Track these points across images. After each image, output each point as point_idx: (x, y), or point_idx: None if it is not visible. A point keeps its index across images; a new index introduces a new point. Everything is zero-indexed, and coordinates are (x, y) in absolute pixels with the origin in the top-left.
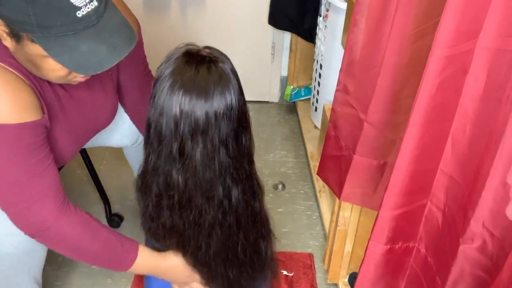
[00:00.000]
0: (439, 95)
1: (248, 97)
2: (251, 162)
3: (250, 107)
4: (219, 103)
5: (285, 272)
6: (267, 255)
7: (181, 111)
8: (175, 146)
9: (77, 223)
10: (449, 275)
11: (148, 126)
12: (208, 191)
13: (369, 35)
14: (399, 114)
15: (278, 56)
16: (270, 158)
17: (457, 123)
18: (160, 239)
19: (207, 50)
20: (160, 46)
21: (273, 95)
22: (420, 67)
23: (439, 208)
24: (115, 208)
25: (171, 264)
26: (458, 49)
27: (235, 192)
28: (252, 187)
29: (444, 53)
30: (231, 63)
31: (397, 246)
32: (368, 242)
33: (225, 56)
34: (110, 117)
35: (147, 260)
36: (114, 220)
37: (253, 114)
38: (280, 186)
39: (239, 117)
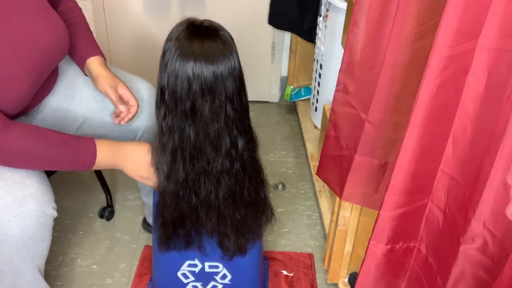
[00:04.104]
0: (440, 95)
1: (248, 97)
2: (249, 119)
3: (250, 107)
4: (225, 65)
5: (285, 272)
6: (266, 198)
7: (193, 74)
8: (188, 105)
9: (25, 134)
10: (450, 275)
11: (162, 90)
12: (215, 141)
13: (369, 35)
14: (400, 113)
15: (278, 56)
16: (270, 158)
17: (457, 123)
18: (176, 196)
19: (208, 21)
20: (160, 46)
21: (273, 95)
22: (421, 67)
23: (439, 208)
24: (116, 209)
25: (134, 148)
26: (458, 49)
27: (240, 142)
28: (252, 139)
29: (444, 53)
30: (228, 31)
31: (397, 246)
32: (369, 242)
33: (222, 25)
34: (47, 28)
35: (108, 147)
36: (108, 210)
37: (253, 114)
38: (280, 186)
39: (240, 77)
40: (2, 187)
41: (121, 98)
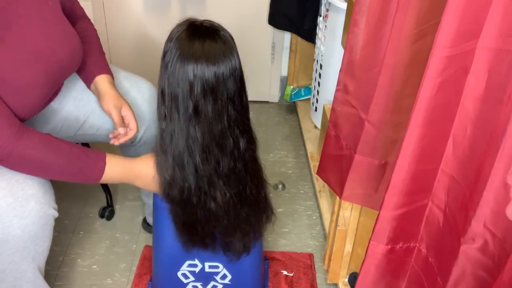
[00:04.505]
0: (440, 95)
1: (248, 97)
2: (249, 119)
3: (250, 107)
4: (226, 65)
5: (285, 272)
6: (266, 196)
7: (194, 76)
8: (191, 106)
9: (37, 143)
10: (450, 275)
11: (162, 92)
12: (221, 141)
13: (369, 35)
14: (400, 113)
15: (278, 56)
16: (270, 158)
17: (458, 123)
18: (189, 203)
19: (208, 22)
20: (160, 46)
21: (273, 95)
22: (421, 67)
23: (440, 208)
24: (116, 209)
25: (144, 167)
26: (459, 49)
27: (242, 142)
28: (252, 139)
29: (444, 53)
30: (228, 31)
31: (398, 246)
32: (369, 242)
33: (222, 26)
34: (65, 42)
35: (118, 166)
36: (108, 210)
37: (253, 114)
38: (280, 186)
39: (241, 77)
40: (4, 187)
41: (123, 120)
